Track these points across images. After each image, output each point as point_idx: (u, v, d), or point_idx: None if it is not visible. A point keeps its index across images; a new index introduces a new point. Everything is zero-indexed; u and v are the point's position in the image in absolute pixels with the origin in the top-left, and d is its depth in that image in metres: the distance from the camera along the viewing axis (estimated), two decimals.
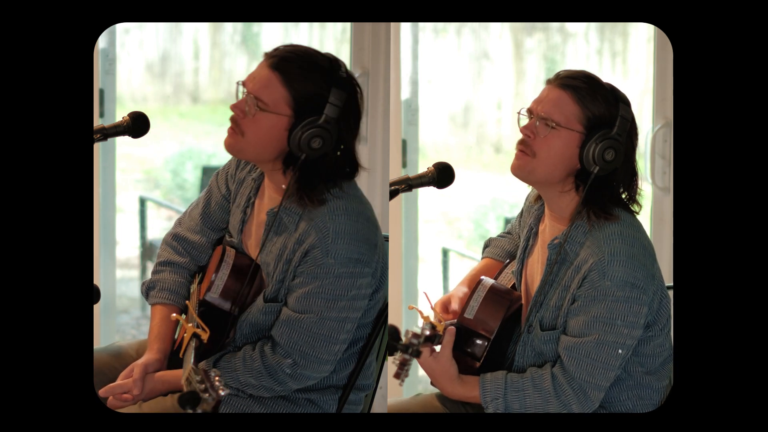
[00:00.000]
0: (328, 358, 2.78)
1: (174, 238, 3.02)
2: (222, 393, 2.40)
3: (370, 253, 2.76)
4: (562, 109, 2.68)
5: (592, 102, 2.67)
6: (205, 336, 2.74)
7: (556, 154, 2.68)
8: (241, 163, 2.97)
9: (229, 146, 2.77)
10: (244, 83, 2.74)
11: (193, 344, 2.76)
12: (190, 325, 2.81)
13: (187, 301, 2.94)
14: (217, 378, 2.42)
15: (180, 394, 2.39)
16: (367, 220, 2.79)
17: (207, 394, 2.40)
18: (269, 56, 2.74)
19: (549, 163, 2.68)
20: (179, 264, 2.99)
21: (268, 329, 2.81)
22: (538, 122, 2.68)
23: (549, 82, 2.73)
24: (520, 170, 2.71)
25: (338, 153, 2.78)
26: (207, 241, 2.99)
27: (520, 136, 2.72)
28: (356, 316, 2.79)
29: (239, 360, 2.81)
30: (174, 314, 2.89)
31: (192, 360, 2.68)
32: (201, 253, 3.00)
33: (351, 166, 2.82)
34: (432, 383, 2.80)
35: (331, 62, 2.75)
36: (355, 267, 2.74)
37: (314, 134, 2.71)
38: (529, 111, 2.71)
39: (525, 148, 2.69)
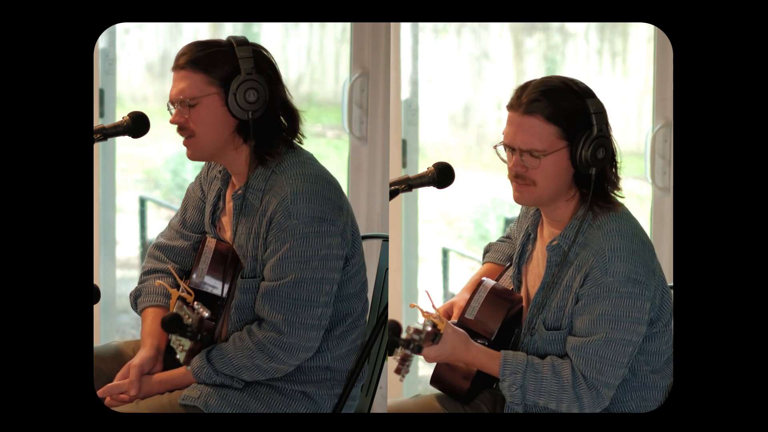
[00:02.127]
0: (313, 323, 2.81)
1: (156, 248, 3.07)
2: (205, 314, 2.48)
3: (333, 212, 2.81)
4: (540, 136, 2.67)
5: (562, 114, 2.67)
6: (190, 299, 2.82)
7: (553, 175, 2.69)
8: (211, 164, 3.04)
9: (191, 155, 2.88)
10: (170, 102, 2.86)
11: (177, 306, 2.81)
12: (174, 289, 2.89)
13: (169, 266, 3.00)
14: (200, 306, 2.48)
15: (162, 318, 2.47)
16: (328, 182, 2.85)
17: (189, 318, 2.46)
18: (173, 65, 2.86)
19: (551, 185, 2.70)
20: (163, 270, 3.02)
21: (252, 310, 2.84)
22: (523, 156, 2.68)
23: (512, 108, 2.70)
24: (525, 201, 2.73)
25: (276, 108, 2.86)
26: (190, 244, 3.04)
27: None
28: (332, 277, 2.81)
29: (230, 344, 2.84)
30: (159, 281, 2.96)
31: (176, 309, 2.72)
32: (185, 257, 3.04)
33: (291, 115, 2.89)
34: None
35: (224, 42, 2.86)
36: (320, 226, 2.78)
37: (246, 88, 2.80)
38: (507, 145, 2.70)
39: (523, 180, 2.69)
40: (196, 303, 2.55)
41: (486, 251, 3.06)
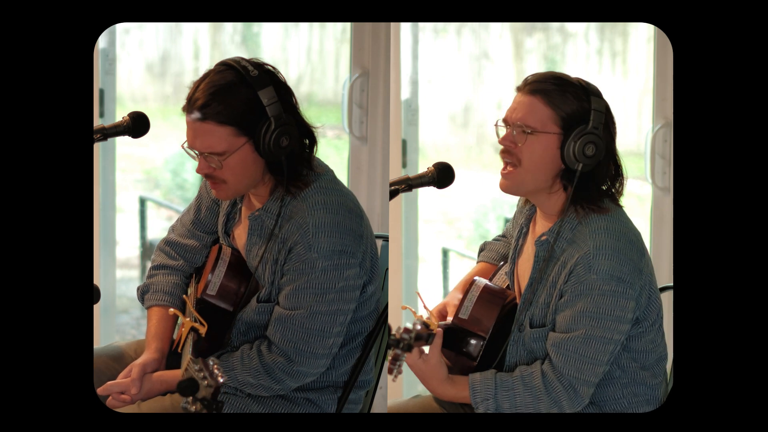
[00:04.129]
0: (323, 353, 2.79)
1: (167, 244, 3.03)
2: (221, 380, 2.42)
3: (354, 244, 2.76)
4: (535, 114, 2.68)
5: (563, 101, 2.67)
6: (202, 330, 2.76)
7: (539, 159, 2.68)
8: None
9: (221, 197, 2.81)
10: (190, 147, 2.72)
11: (191, 338, 2.77)
12: (188, 319, 2.82)
13: (184, 296, 2.95)
14: (215, 366, 2.43)
15: (179, 381, 2.41)
16: (349, 211, 2.79)
17: (206, 382, 2.41)
18: (187, 109, 2.71)
19: (534, 169, 2.69)
20: (172, 266, 3.00)
21: (264, 327, 2.82)
22: (515, 131, 2.68)
23: (518, 89, 2.73)
24: (509, 186, 2.72)
25: (301, 137, 2.77)
26: (201, 244, 3.01)
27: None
28: (348, 308, 2.79)
29: (237, 359, 2.81)
30: (172, 309, 2.90)
31: (190, 352, 2.69)
32: (196, 255, 3.01)
33: (308, 134, 2.79)
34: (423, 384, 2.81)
35: (238, 73, 2.70)
36: (339, 259, 2.74)
37: (278, 135, 2.70)
38: (505, 121, 2.71)
39: (509, 157, 2.69)
40: (216, 368, 2.47)
41: (481, 250, 3.06)
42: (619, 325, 2.66)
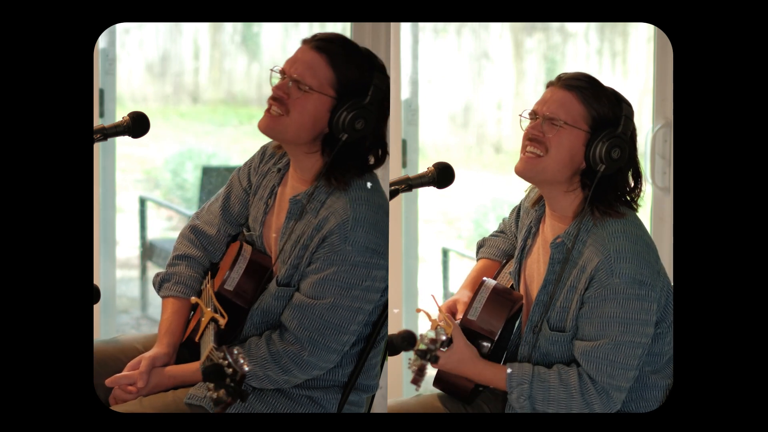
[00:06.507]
0: (337, 348, 2.79)
1: (192, 231, 3.02)
2: (246, 368, 2.41)
3: (385, 246, 2.78)
4: (568, 109, 2.69)
5: (597, 102, 2.69)
6: (222, 321, 2.77)
7: (565, 152, 2.69)
8: (265, 156, 2.97)
9: (268, 128, 2.79)
10: (283, 70, 2.78)
11: (211, 328, 2.76)
12: (209, 309, 2.83)
13: (207, 285, 2.95)
14: (240, 354, 2.42)
15: (204, 366, 2.40)
16: (386, 213, 2.81)
17: (231, 370, 2.40)
18: (311, 41, 2.79)
19: (559, 161, 2.69)
20: (195, 258, 2.98)
21: (278, 316, 2.82)
22: (544, 122, 2.69)
23: (551, 84, 2.75)
24: (528, 170, 2.71)
25: (370, 145, 2.81)
26: (223, 235, 2.99)
27: (520, 134, 2.72)
28: (368, 308, 2.79)
29: (245, 349, 2.81)
30: (194, 297, 2.90)
31: (212, 341, 2.68)
32: (216, 249, 3.00)
33: (381, 151, 2.84)
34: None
35: (369, 51, 2.81)
36: (371, 257, 2.75)
37: (359, 115, 2.75)
38: (533, 113, 2.72)
39: (537, 146, 2.69)
40: (236, 351, 2.46)
41: (480, 246, 3.05)
42: (645, 329, 2.67)
